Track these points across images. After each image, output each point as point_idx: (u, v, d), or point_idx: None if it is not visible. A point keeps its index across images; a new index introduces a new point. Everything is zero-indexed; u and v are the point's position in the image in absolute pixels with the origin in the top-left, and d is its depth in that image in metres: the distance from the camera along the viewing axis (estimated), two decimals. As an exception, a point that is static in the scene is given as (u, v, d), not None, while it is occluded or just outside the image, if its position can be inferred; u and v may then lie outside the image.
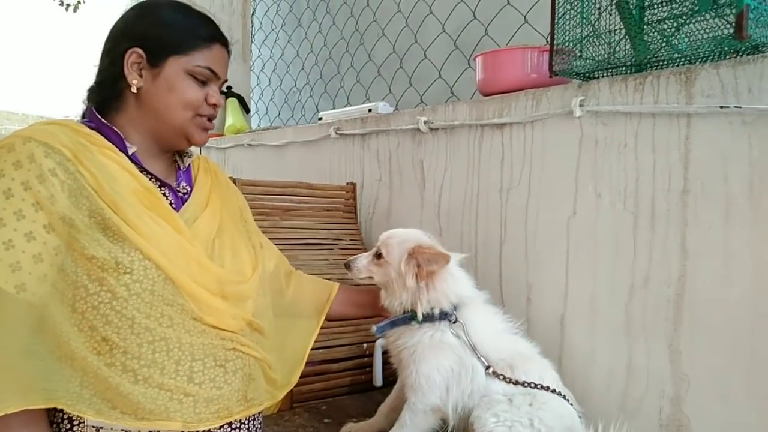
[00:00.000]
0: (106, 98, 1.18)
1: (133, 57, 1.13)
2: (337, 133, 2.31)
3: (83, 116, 1.20)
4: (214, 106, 1.20)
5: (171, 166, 1.25)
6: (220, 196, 1.29)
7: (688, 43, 1.24)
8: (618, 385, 1.40)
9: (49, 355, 0.98)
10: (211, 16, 1.23)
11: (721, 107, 1.18)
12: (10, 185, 0.99)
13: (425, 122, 1.88)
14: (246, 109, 3.44)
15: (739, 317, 1.19)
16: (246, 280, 1.20)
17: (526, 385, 1.27)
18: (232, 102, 3.33)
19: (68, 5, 4.25)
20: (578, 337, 1.48)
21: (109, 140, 1.12)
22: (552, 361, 1.51)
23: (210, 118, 1.22)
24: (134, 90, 1.14)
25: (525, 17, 1.90)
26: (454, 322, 1.30)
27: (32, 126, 1.08)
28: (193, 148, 1.28)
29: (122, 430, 1.01)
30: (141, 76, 1.14)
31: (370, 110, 2.22)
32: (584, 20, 1.40)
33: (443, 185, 1.86)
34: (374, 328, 1.38)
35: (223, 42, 1.21)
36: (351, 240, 2.10)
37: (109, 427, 1.01)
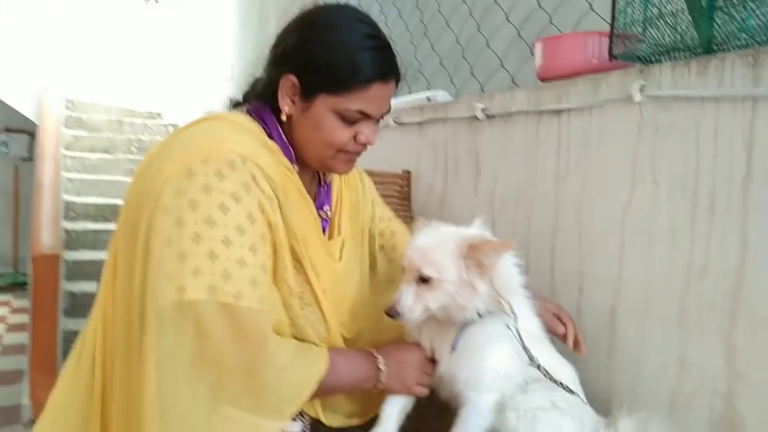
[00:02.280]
0: (262, 107, 1.17)
1: (288, 84, 1.09)
2: (395, 122, 2.33)
3: (247, 111, 1.18)
4: (363, 144, 1.14)
5: (312, 181, 1.25)
6: (351, 208, 1.33)
7: (756, 24, 1.18)
8: (669, 380, 1.35)
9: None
10: (389, 42, 1.16)
11: (790, 90, 1.12)
12: (251, 210, 0.99)
13: (482, 110, 1.87)
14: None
15: (801, 312, 1.13)
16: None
17: (562, 387, 1.24)
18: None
19: (147, -2, 4.46)
20: (629, 329, 1.44)
21: (285, 154, 1.14)
22: (601, 353, 1.49)
23: (358, 152, 1.17)
24: (284, 118, 1.12)
25: (591, 4, 1.86)
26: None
27: (231, 140, 1.03)
28: None
29: None
30: (294, 102, 1.11)
31: (428, 99, 2.22)
32: (647, 2, 1.36)
33: (498, 173, 1.84)
34: (452, 351, 1.17)
35: (386, 78, 1.11)
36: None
37: None
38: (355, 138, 1.11)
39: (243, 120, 1.11)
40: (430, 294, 1.10)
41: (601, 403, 1.49)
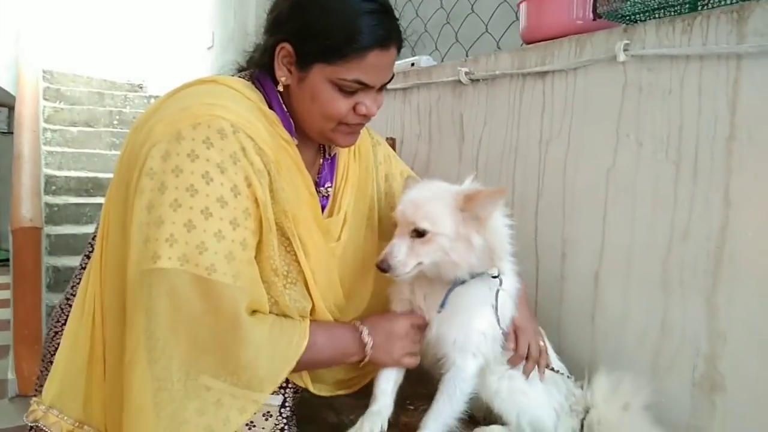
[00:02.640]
0: (265, 76, 1.12)
1: (283, 52, 1.04)
2: (379, 88, 2.29)
3: (250, 77, 1.13)
4: (364, 116, 1.08)
5: (316, 154, 1.20)
6: (359, 181, 1.27)
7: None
8: (651, 342, 1.35)
9: None
10: (389, 4, 1.08)
11: (775, 46, 1.10)
12: (236, 182, 0.96)
13: (466, 73, 1.84)
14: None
15: (782, 271, 1.12)
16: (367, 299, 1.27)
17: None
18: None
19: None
20: (612, 293, 1.43)
21: (284, 126, 1.09)
22: (584, 318, 1.49)
23: (360, 124, 1.11)
24: (280, 89, 1.08)
25: (575, -35, 1.82)
26: (495, 277, 1.15)
27: (224, 106, 0.99)
28: None
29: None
30: (290, 72, 1.06)
31: (412, 64, 2.18)
32: (632, -41, 1.33)
33: (482, 138, 1.82)
34: (440, 309, 1.14)
35: (385, 45, 1.04)
36: (389, 194, 2.09)
37: None
38: (354, 109, 1.06)
39: (242, 87, 1.06)
40: (423, 248, 1.05)
41: (584, 368, 1.49)
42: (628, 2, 1.36)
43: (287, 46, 1.03)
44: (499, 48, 2.10)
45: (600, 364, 1.46)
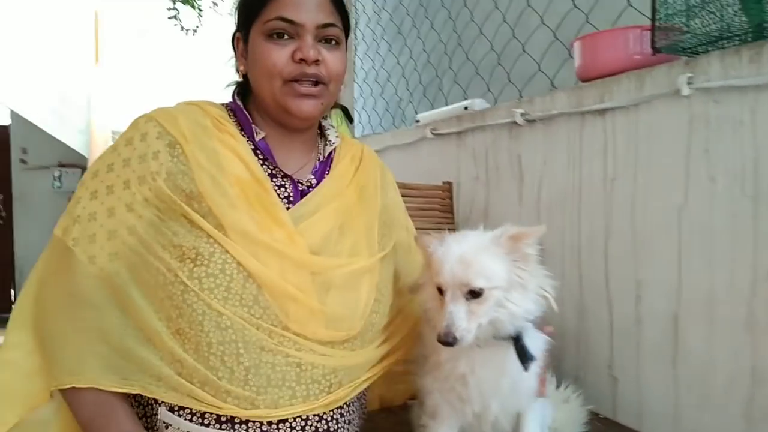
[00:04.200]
0: (243, 83, 1.15)
1: (239, 44, 1.11)
2: (433, 133, 2.29)
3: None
4: (303, 62, 1.02)
5: (307, 156, 1.16)
6: (360, 190, 1.17)
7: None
8: (742, 390, 1.25)
9: (130, 336, 0.98)
10: None
11: None
12: (114, 160, 1.03)
13: (522, 114, 1.81)
14: (350, 119, 3.50)
15: None
16: (349, 265, 1.07)
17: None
18: (337, 113, 3.36)
19: (188, 30, 4.54)
20: (694, 337, 1.35)
21: (240, 123, 1.10)
22: (665, 364, 1.40)
23: (305, 79, 1.04)
24: (240, 78, 1.12)
25: (628, 0, 1.79)
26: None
27: (171, 106, 1.09)
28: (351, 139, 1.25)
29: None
30: (244, 58, 1.10)
31: (466, 108, 2.18)
32: (689, -10, 1.29)
33: (542, 179, 1.78)
34: (525, 367, 1.01)
35: None
36: (449, 240, 2.06)
37: (176, 426, 0.98)
38: (293, 57, 1.02)
39: (205, 102, 1.12)
40: (481, 308, 0.96)
41: (668, 415, 1.41)
42: (689, 34, 1.32)
43: (238, 34, 1.11)
44: (553, 86, 2.07)
45: (684, 414, 1.37)
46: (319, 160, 1.16)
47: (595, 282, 1.59)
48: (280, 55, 1.02)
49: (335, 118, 3.72)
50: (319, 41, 1.06)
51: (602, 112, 1.56)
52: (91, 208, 1.02)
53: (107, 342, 0.98)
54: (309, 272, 1.03)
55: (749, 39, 1.25)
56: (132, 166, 1.01)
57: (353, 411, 1.13)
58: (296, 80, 1.04)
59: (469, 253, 0.98)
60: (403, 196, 2.08)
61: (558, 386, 1.40)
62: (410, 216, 1.94)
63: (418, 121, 2.49)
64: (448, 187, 2.20)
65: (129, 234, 1.00)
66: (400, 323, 1.24)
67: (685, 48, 1.34)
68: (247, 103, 1.14)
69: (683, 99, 1.34)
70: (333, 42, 1.08)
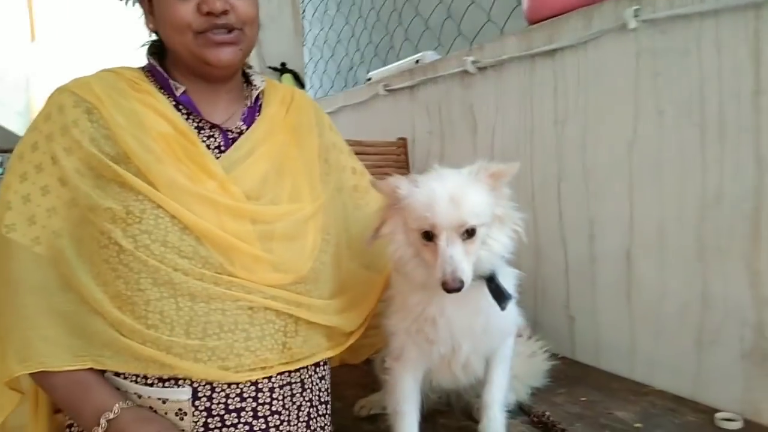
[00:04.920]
0: (158, 41, 1.11)
1: (144, 2, 1.06)
2: (385, 90, 2.26)
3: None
4: (210, 14, 0.99)
5: (234, 104, 1.12)
6: (294, 131, 1.14)
7: None
8: (693, 317, 1.28)
9: (78, 311, 0.96)
10: None
11: (795, -11, 1.04)
12: (37, 138, 0.99)
13: (473, 62, 1.79)
14: (301, 84, 3.44)
15: (827, 226, 1.06)
16: (292, 213, 1.05)
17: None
18: (287, 78, 3.34)
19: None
20: (647, 270, 1.37)
21: (158, 81, 1.07)
22: (621, 297, 1.43)
23: (227, 30, 1.01)
24: (151, 36, 1.08)
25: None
26: None
27: (84, 75, 1.05)
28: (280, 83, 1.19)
29: (135, 393, 0.96)
30: (152, 15, 1.05)
31: (417, 61, 2.15)
32: None
33: (495, 126, 1.77)
34: (503, 306, 0.98)
35: None
36: (405, 194, 2.05)
37: (125, 389, 0.96)
38: (198, 10, 0.99)
39: (119, 67, 1.08)
40: (473, 247, 0.92)
41: (624, 350, 1.43)
42: (634, -33, 1.31)
43: None
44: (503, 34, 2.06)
45: (639, 346, 1.40)
46: (246, 106, 1.12)
47: (550, 224, 1.60)
48: (186, 10, 0.98)
49: (286, 83, 3.65)
50: None
51: (552, 53, 1.56)
52: (24, 191, 0.97)
53: (54, 323, 0.95)
54: (249, 221, 1.00)
55: (693, -31, 1.25)
56: (56, 140, 0.97)
57: (317, 380, 1.11)
58: (208, 32, 1.00)
59: (458, 190, 0.93)
60: (357, 153, 2.05)
61: (527, 336, 1.40)
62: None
63: (369, 79, 2.46)
64: (402, 142, 2.18)
65: (68, 207, 0.97)
66: (363, 297, 1.21)
67: (631, -19, 1.33)
68: (164, 60, 1.10)
69: (630, 33, 1.34)
70: None
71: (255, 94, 1.13)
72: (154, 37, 1.12)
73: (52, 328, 0.95)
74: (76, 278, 0.95)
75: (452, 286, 0.88)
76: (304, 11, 3.67)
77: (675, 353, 1.32)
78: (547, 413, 1.20)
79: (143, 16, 1.08)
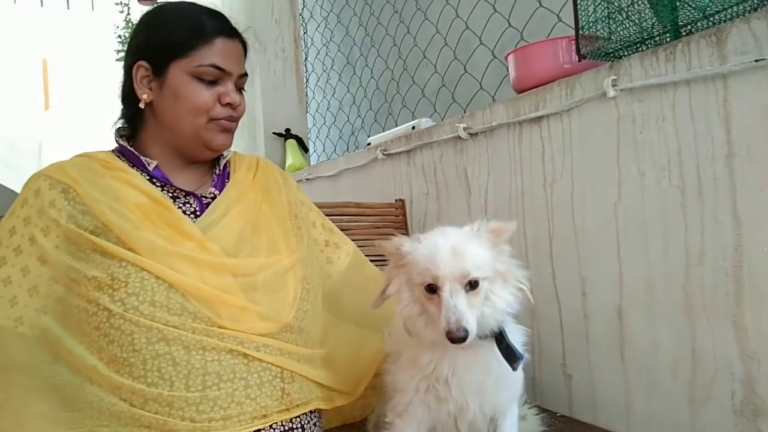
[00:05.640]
0: (131, 116, 1.18)
1: (141, 71, 1.12)
2: (383, 154, 2.34)
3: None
4: (230, 105, 1.13)
5: (206, 175, 1.22)
6: (263, 192, 1.22)
7: (712, 1, 1.20)
8: (684, 373, 1.30)
9: (71, 383, 0.98)
10: (218, 9, 1.17)
11: (756, 61, 1.12)
12: (15, 223, 1.05)
13: (464, 128, 1.88)
14: (304, 148, 3.55)
15: (804, 281, 1.10)
16: (271, 266, 1.11)
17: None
18: (291, 143, 3.46)
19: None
20: (637, 326, 1.40)
21: (129, 160, 1.14)
22: (614, 354, 1.45)
23: (229, 119, 1.15)
24: (142, 106, 1.13)
25: (558, 15, 1.89)
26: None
27: (58, 161, 1.13)
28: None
29: None
30: (151, 89, 1.12)
31: (413, 127, 2.24)
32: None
33: (488, 188, 1.84)
34: (515, 367, 1.01)
35: (228, 34, 1.14)
36: (403, 255, 2.09)
37: None
38: (219, 101, 1.11)
39: (89, 152, 1.15)
40: (477, 300, 0.94)
41: (620, 407, 1.45)
42: (611, 39, 1.40)
43: (141, 62, 1.12)
44: (494, 101, 2.15)
45: (634, 403, 1.41)
46: (216, 173, 1.21)
47: (544, 282, 1.63)
48: (207, 95, 1.11)
49: (291, 148, 3.75)
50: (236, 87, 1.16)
51: (538, 119, 1.63)
52: (4, 274, 1.02)
53: (48, 398, 0.98)
54: (230, 274, 1.06)
55: (667, 40, 1.34)
56: (33, 222, 1.03)
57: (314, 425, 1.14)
58: (219, 119, 1.14)
59: (460, 243, 0.96)
60: (357, 215, 2.15)
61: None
62: (365, 234, 1.97)
63: (369, 144, 2.55)
64: (400, 204, 2.24)
65: (49, 285, 1.02)
66: (353, 357, 1.25)
67: (608, 53, 1.42)
68: (135, 137, 1.18)
69: (610, 101, 1.42)
70: (242, 88, 1.20)
71: (223, 162, 1.23)
72: (119, 117, 1.20)
73: (46, 404, 0.97)
74: (66, 350, 0.99)
75: (456, 335, 0.89)
76: (307, 80, 3.83)
77: (669, 410, 1.33)
78: (544, 472, 1.21)
79: (139, 86, 1.13)
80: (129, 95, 1.16)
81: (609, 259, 1.45)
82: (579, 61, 1.46)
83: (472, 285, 0.94)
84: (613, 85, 1.39)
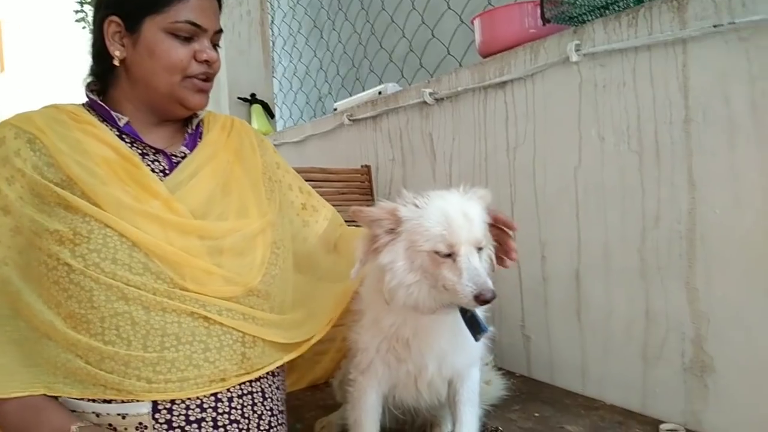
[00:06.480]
0: (102, 72, 1.14)
1: (112, 27, 1.08)
2: (349, 120, 2.32)
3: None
4: (207, 62, 1.10)
5: (178, 133, 1.18)
6: (236, 153, 1.19)
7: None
8: (638, 333, 1.34)
9: (29, 338, 0.97)
10: None
11: (715, 26, 1.13)
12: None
13: (430, 94, 1.87)
14: (270, 114, 3.50)
15: (752, 244, 1.13)
16: (239, 229, 1.09)
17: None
18: (257, 108, 3.40)
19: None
20: (594, 289, 1.44)
21: (100, 114, 1.11)
22: (571, 316, 1.48)
23: (206, 78, 1.12)
24: (116, 63, 1.09)
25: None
26: None
27: (26, 111, 1.08)
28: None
29: (93, 412, 0.96)
30: (123, 45, 1.08)
31: (380, 93, 2.22)
32: (573, -38, 1.38)
33: (452, 154, 1.84)
34: (480, 334, 1.00)
35: None
36: (368, 221, 2.10)
37: (81, 409, 0.96)
38: (195, 57, 1.09)
39: (58, 103, 1.12)
40: (482, 264, 0.95)
41: (576, 367, 1.49)
42: (575, 4, 1.40)
43: (113, 18, 1.08)
44: (461, 66, 2.14)
45: (590, 363, 1.45)
46: (188, 132, 1.18)
47: (505, 247, 1.65)
48: (183, 52, 1.07)
49: (256, 113, 3.69)
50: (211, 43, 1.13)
51: (502, 84, 1.64)
52: None
53: (6, 353, 0.96)
54: (196, 236, 1.03)
55: (630, 4, 1.34)
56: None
57: (274, 390, 1.13)
58: (193, 77, 1.10)
59: (469, 208, 0.95)
60: (323, 180, 2.14)
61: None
62: (331, 200, 1.95)
63: (335, 109, 2.52)
64: (366, 170, 2.24)
65: (11, 236, 0.99)
66: (322, 307, 1.23)
67: (573, 17, 1.42)
68: (105, 92, 1.14)
69: (573, 65, 1.43)
70: (217, 44, 1.16)
71: (196, 122, 1.19)
72: (89, 72, 1.16)
73: (4, 357, 0.95)
74: (25, 304, 0.97)
75: (487, 296, 0.88)
76: (273, 44, 3.76)
77: (623, 369, 1.38)
78: (500, 429, 1.24)
79: (111, 42, 1.09)
80: (100, 52, 1.11)
81: (568, 223, 1.48)
82: (544, 25, 1.45)
83: (479, 249, 0.94)
84: (577, 50, 1.40)
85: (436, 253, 0.92)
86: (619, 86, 1.34)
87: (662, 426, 1.23)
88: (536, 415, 1.35)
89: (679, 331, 1.26)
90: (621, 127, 1.34)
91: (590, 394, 1.44)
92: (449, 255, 0.92)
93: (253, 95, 3.43)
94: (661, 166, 1.27)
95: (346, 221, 1.44)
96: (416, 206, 0.97)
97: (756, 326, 1.14)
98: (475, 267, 0.90)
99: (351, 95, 2.92)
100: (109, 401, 0.95)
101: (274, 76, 3.71)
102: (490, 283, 0.89)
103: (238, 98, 3.40)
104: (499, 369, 1.52)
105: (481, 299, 0.88)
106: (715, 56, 1.16)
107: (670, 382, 1.28)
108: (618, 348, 1.39)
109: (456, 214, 0.93)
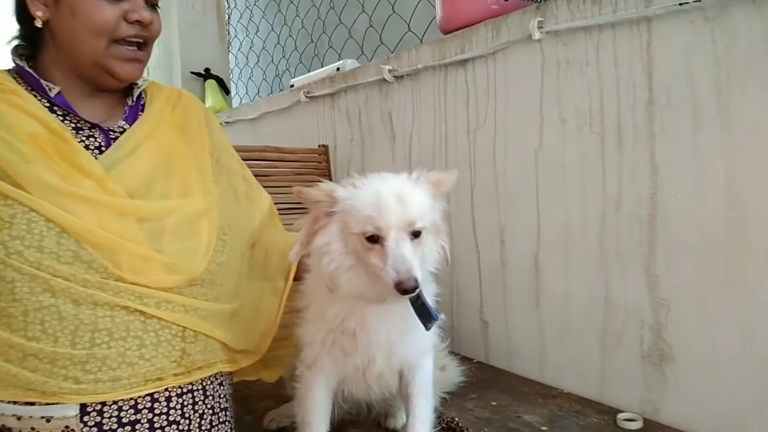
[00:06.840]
0: (29, 36, 1.02)
1: None
2: (307, 96, 2.24)
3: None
4: (138, 23, 0.98)
5: (117, 105, 1.08)
6: (181, 129, 1.09)
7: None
8: (597, 321, 1.32)
9: None
10: None
11: (680, 4, 1.09)
12: None
13: (390, 71, 1.80)
14: (226, 90, 3.38)
15: (713, 231, 1.11)
16: (181, 209, 1.00)
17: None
18: (211, 84, 3.27)
19: None
20: (553, 274, 1.40)
21: (28, 83, 0.99)
22: (530, 302, 1.45)
23: (139, 44, 1.00)
24: (39, 24, 0.97)
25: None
26: None
27: None
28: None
29: (13, 415, 0.88)
30: (46, 5, 0.97)
31: (338, 69, 2.14)
32: (536, -65, 1.32)
33: (412, 135, 1.78)
34: (431, 322, 0.94)
35: None
36: (325, 202, 2.02)
37: (1, 412, 0.88)
38: (125, 18, 0.97)
39: None
40: (419, 250, 0.88)
41: (534, 354, 1.46)
42: (538, -20, 1.35)
43: None
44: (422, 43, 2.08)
45: (548, 349, 1.43)
46: (128, 105, 1.08)
47: (464, 231, 1.61)
48: (110, 12, 0.96)
49: (210, 89, 3.55)
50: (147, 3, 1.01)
51: (463, 63, 1.58)
52: None
53: None
54: (134, 219, 0.95)
55: (593, -17, 1.29)
56: None
57: (218, 394, 1.06)
58: (123, 42, 0.98)
59: (405, 190, 0.89)
60: (279, 160, 2.05)
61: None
62: (286, 181, 1.87)
63: (292, 86, 2.43)
64: (324, 150, 2.16)
65: None
66: (255, 312, 1.17)
67: (536, -7, 1.37)
68: (35, 58, 1.03)
69: (535, 44, 1.37)
70: (155, 4, 1.04)
71: (137, 93, 1.09)
72: (16, 35, 1.04)
73: None
74: None
75: (408, 285, 0.83)
76: (229, 17, 3.62)
77: (581, 356, 1.35)
78: (456, 419, 1.20)
79: (33, 2, 0.97)
80: (23, 12, 0.99)
81: (528, 207, 1.44)
82: (506, 0, 1.40)
83: (415, 234, 0.88)
84: (539, 28, 1.35)
85: (365, 237, 0.87)
86: (582, 66, 1.29)
87: (620, 415, 1.21)
88: (493, 404, 1.32)
89: (638, 318, 1.24)
90: (583, 109, 1.30)
91: (548, 382, 1.42)
92: (378, 239, 0.87)
93: (207, 70, 3.30)
94: (624, 150, 1.23)
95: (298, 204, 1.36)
96: (354, 187, 0.91)
97: (715, 314, 1.12)
98: (402, 254, 0.85)
99: (309, 72, 2.83)
100: (32, 403, 0.87)
101: (230, 51, 3.58)
102: (414, 272, 0.83)
103: (191, 73, 3.27)
104: (456, 354, 1.48)
105: (400, 288, 0.83)
106: (680, 36, 1.12)
107: (628, 371, 1.26)
108: (576, 335, 1.36)
109: (388, 197, 0.87)
